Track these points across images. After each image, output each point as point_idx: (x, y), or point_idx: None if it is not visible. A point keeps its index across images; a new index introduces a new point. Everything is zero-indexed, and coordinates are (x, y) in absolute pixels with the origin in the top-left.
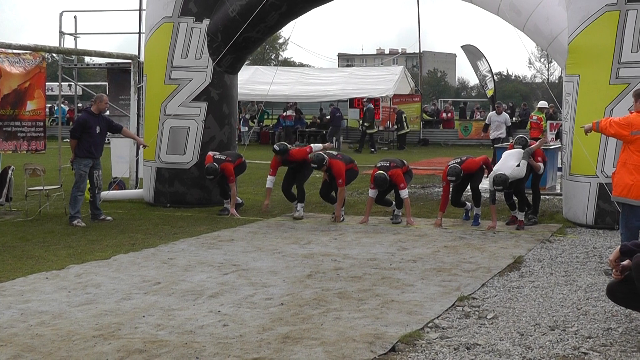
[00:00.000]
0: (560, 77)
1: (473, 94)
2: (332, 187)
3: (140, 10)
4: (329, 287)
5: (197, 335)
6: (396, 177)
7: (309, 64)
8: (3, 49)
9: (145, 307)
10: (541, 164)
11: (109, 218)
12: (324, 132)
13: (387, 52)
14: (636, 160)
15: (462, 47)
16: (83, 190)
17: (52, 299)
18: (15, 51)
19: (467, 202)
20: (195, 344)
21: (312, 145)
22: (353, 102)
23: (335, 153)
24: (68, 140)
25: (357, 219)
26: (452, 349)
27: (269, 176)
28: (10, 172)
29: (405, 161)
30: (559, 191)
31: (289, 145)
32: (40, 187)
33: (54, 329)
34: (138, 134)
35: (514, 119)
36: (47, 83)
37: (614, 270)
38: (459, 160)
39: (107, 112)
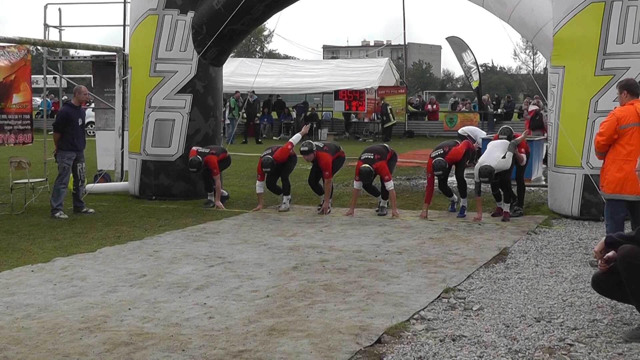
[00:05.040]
0: (545, 69)
1: (458, 86)
2: (320, 175)
3: (125, 2)
4: (315, 279)
5: (183, 327)
6: (381, 170)
7: (294, 56)
8: None
9: (131, 299)
10: (524, 156)
11: (91, 210)
12: (310, 123)
13: (372, 44)
14: (625, 153)
15: (447, 38)
16: (66, 183)
17: (38, 292)
18: (0, 44)
19: (454, 194)
20: (181, 336)
21: (291, 140)
22: (338, 94)
23: (321, 145)
24: (52, 134)
25: (343, 211)
26: (437, 341)
27: (257, 182)
28: None
29: (387, 146)
30: (544, 183)
31: (271, 157)
32: (26, 180)
33: (39, 322)
34: (123, 127)
35: (499, 110)
36: (32, 76)
37: (599, 261)
38: (442, 151)
39: (92, 105)
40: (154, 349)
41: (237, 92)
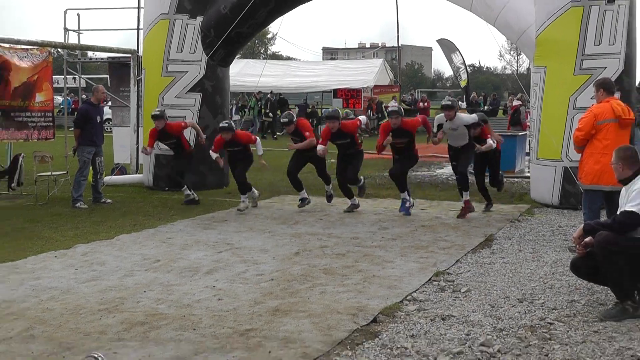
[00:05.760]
0: (528, 69)
1: (448, 85)
2: (300, 166)
3: (138, 7)
4: (315, 264)
5: (194, 308)
6: (349, 126)
7: (296, 57)
8: (12, 45)
9: (146, 282)
10: (490, 141)
11: (109, 201)
12: (311, 120)
13: (368, 45)
14: (602, 147)
15: (437, 40)
16: (86, 176)
17: (61, 276)
18: (23, 47)
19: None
20: (193, 316)
21: (258, 143)
22: (336, 93)
23: None
24: (73, 130)
25: (343, 201)
26: (428, 320)
27: (212, 152)
28: (20, 159)
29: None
30: (527, 174)
31: (234, 125)
32: (49, 173)
33: (62, 304)
34: (138, 124)
35: (485, 107)
36: (53, 76)
37: (577, 247)
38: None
39: (109, 103)
40: (167, 328)
41: (259, 92)
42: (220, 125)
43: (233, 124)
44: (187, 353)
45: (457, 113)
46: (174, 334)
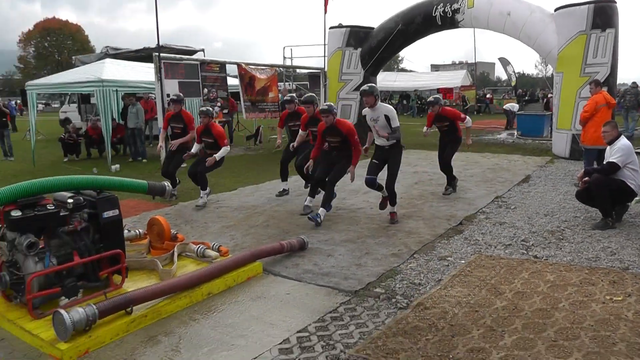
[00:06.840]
0: (552, 74)
1: (504, 85)
2: (293, 156)
3: (325, 44)
4: (426, 189)
5: (357, 213)
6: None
7: (415, 70)
8: (256, 66)
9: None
10: (468, 119)
11: None
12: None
13: (457, 62)
14: (598, 122)
15: (498, 58)
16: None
17: (269, 193)
18: (262, 67)
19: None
20: (357, 217)
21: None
22: (438, 90)
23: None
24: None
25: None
26: (491, 224)
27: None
28: (260, 128)
29: None
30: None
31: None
32: (275, 136)
33: (284, 208)
34: None
35: (527, 97)
36: (278, 82)
37: (580, 183)
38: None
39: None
40: (341, 224)
41: (404, 91)
42: (170, 97)
43: (182, 97)
44: (352, 237)
45: (380, 102)
46: (346, 227)
